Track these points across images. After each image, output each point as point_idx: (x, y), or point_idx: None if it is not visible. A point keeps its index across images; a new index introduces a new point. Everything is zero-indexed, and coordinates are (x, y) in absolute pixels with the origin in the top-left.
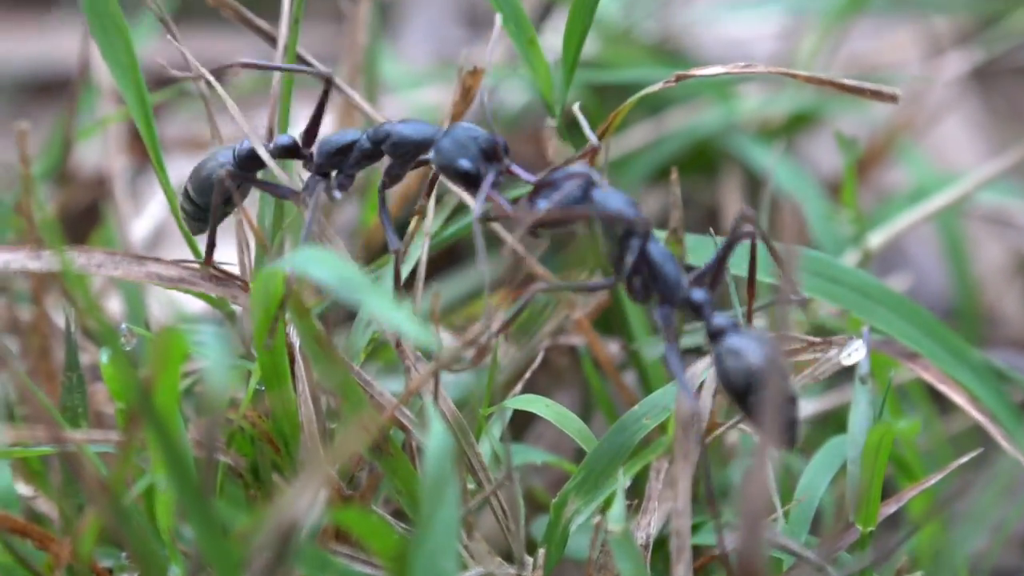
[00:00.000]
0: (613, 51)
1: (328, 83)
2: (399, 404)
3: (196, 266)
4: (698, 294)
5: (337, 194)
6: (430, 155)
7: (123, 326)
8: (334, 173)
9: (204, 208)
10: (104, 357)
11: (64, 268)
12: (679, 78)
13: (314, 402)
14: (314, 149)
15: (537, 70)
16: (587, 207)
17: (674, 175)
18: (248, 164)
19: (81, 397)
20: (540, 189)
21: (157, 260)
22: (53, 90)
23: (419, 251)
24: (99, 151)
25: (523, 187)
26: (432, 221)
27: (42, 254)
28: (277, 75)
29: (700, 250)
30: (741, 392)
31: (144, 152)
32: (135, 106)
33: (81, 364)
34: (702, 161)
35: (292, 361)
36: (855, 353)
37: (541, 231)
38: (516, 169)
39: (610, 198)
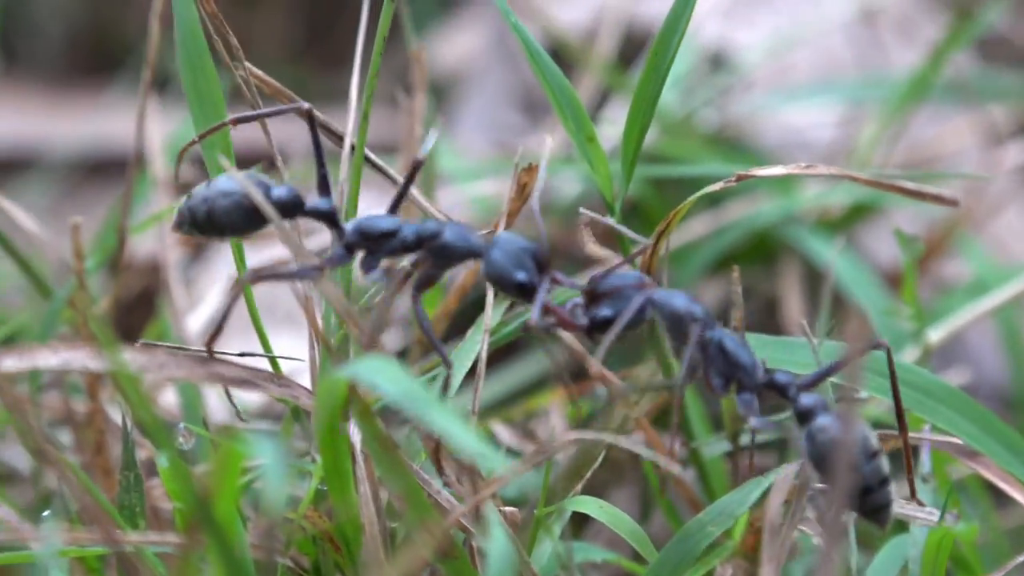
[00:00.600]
0: (671, 141)
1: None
2: (464, 511)
3: (260, 364)
4: (781, 375)
5: (375, 275)
6: (481, 266)
7: (181, 426)
8: (361, 252)
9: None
10: (163, 461)
11: (124, 369)
12: (740, 178)
13: (376, 503)
14: (350, 225)
15: (596, 167)
16: (651, 311)
17: (735, 274)
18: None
19: (139, 496)
20: (597, 297)
21: (221, 360)
22: (106, 171)
23: (478, 345)
24: (153, 238)
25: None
26: (491, 316)
27: (103, 353)
28: (346, 161)
29: (761, 348)
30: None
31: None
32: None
33: (138, 461)
34: (761, 251)
35: (354, 461)
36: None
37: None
38: (561, 277)
39: (673, 298)
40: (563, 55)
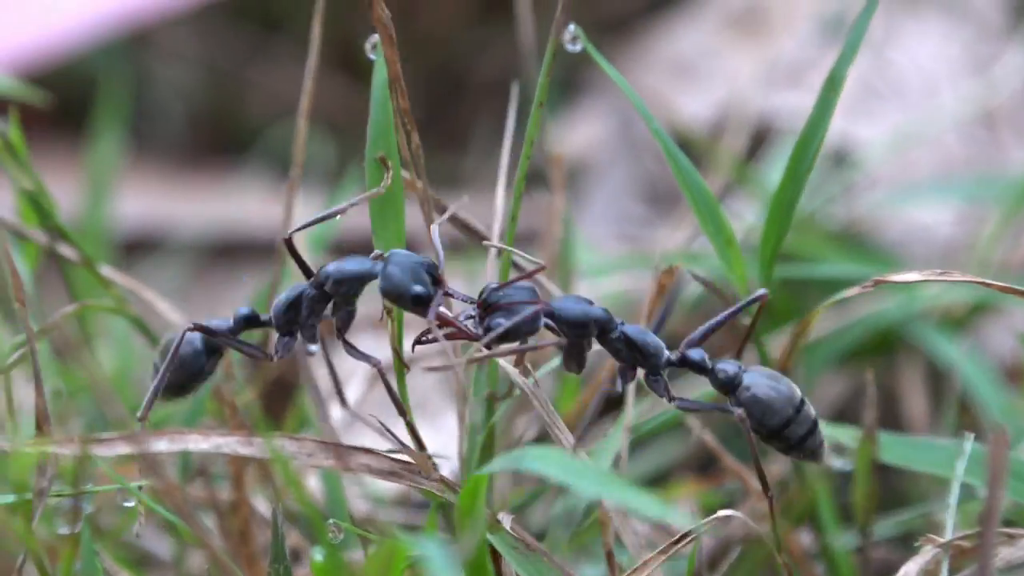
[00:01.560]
0: (797, 237)
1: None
2: None
3: (406, 458)
4: (693, 352)
5: (312, 348)
6: (378, 284)
7: (330, 521)
8: (299, 331)
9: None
10: (317, 555)
11: (275, 458)
12: (877, 283)
13: None
14: (271, 313)
15: (733, 268)
16: (547, 320)
17: (869, 376)
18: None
19: None
20: (491, 308)
21: (368, 451)
22: (232, 254)
23: (618, 443)
24: None
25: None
26: (631, 414)
27: (253, 441)
28: (492, 258)
29: (886, 446)
30: (778, 426)
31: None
32: None
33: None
34: (882, 346)
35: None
36: None
37: (497, 346)
38: (455, 291)
39: (570, 305)
40: (688, 147)
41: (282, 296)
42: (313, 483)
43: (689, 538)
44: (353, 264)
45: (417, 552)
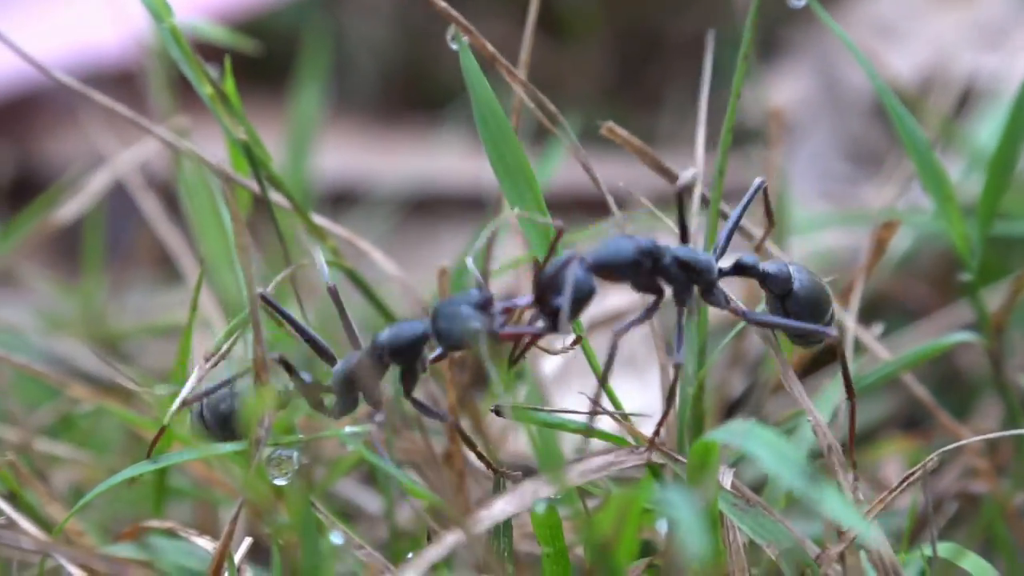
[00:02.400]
0: (1010, 196)
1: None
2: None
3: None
4: (746, 257)
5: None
6: (436, 345)
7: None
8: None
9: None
10: (539, 507)
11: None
12: None
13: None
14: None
15: (953, 225)
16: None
17: None
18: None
19: (508, 541)
20: (544, 296)
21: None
22: (431, 208)
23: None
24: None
25: None
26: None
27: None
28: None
29: None
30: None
31: None
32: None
33: None
34: None
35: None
36: None
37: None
38: (509, 303)
39: (611, 247)
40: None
41: (339, 367)
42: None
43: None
44: (406, 329)
45: (659, 500)
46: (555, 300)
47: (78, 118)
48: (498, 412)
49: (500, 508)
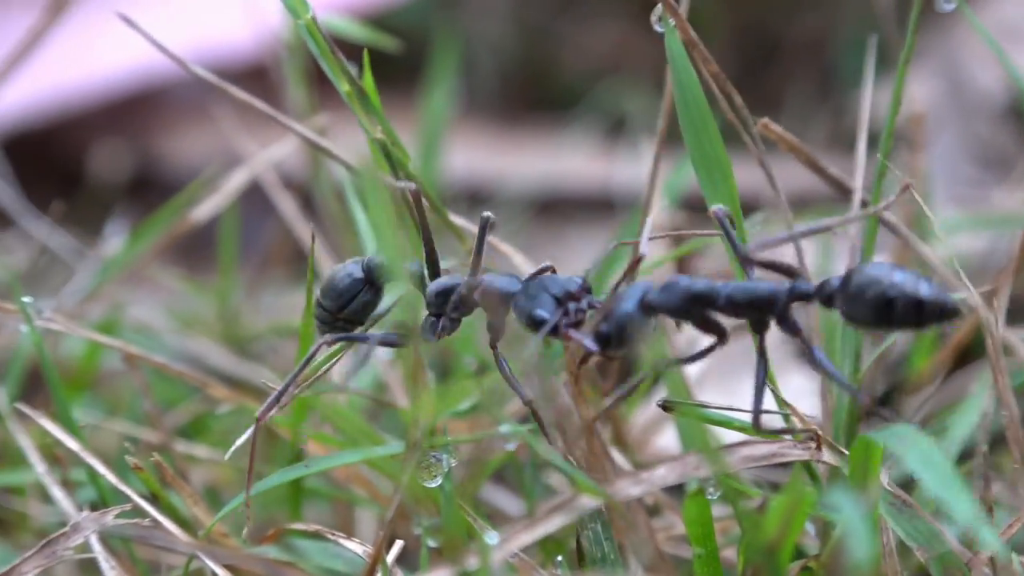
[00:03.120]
0: None
1: None
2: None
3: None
4: (800, 284)
5: (432, 335)
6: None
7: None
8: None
9: (334, 313)
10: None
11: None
12: None
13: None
14: (427, 290)
15: None
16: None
17: None
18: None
19: None
20: (603, 314)
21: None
22: (558, 208)
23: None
24: None
25: None
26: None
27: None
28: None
29: None
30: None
31: None
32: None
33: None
34: None
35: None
36: None
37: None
38: (594, 302)
39: (669, 288)
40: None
41: (441, 280)
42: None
43: None
44: (502, 282)
45: (825, 502)
46: (603, 326)
47: (199, 115)
48: (665, 407)
49: (660, 474)
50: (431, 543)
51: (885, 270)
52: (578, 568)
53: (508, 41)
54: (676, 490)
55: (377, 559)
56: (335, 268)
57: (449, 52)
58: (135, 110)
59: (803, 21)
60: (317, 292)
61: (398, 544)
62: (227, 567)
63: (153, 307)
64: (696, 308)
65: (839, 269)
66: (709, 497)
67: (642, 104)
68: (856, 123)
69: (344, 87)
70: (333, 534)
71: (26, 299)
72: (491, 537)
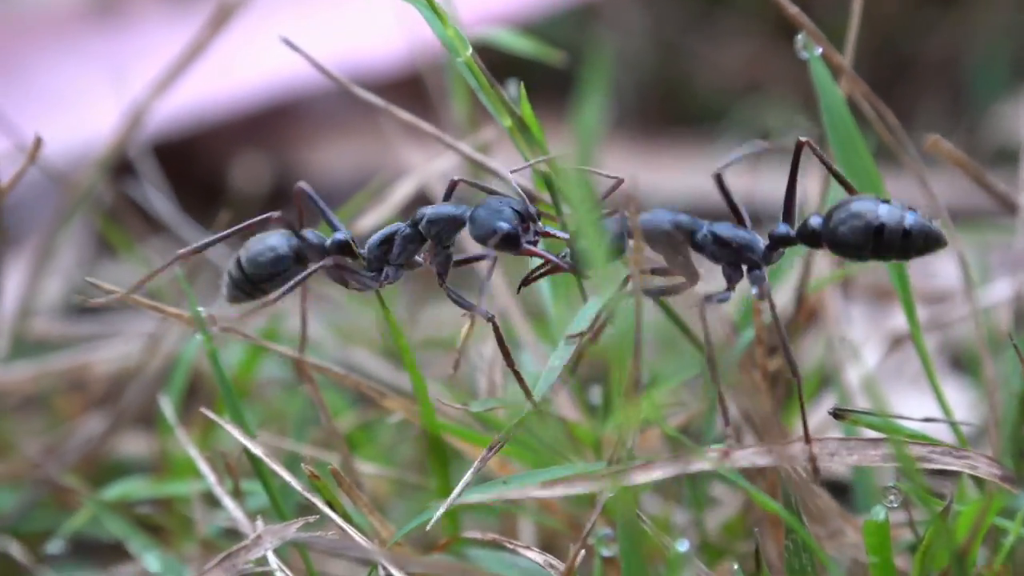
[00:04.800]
0: None
1: None
2: None
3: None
4: (780, 227)
5: (379, 281)
6: (468, 229)
7: (890, 485)
8: (387, 268)
9: (252, 282)
10: (880, 515)
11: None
12: None
13: None
14: (365, 247)
15: None
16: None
17: None
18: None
19: (808, 557)
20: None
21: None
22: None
23: None
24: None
25: None
26: None
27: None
28: None
29: None
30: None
31: None
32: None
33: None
34: None
35: None
36: None
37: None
38: (551, 230)
39: (653, 217)
40: None
41: (377, 233)
42: None
43: None
44: (449, 207)
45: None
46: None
47: (339, 125)
48: (837, 415)
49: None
50: (605, 552)
51: (869, 203)
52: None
53: (645, 57)
54: None
55: (571, 570)
56: (263, 239)
57: (600, 69)
58: (275, 121)
59: (934, 39)
60: (240, 256)
61: (581, 553)
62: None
63: (314, 318)
64: (675, 239)
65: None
66: (890, 505)
67: (783, 119)
68: (994, 139)
69: (506, 121)
70: (511, 543)
71: (200, 309)
72: (682, 544)
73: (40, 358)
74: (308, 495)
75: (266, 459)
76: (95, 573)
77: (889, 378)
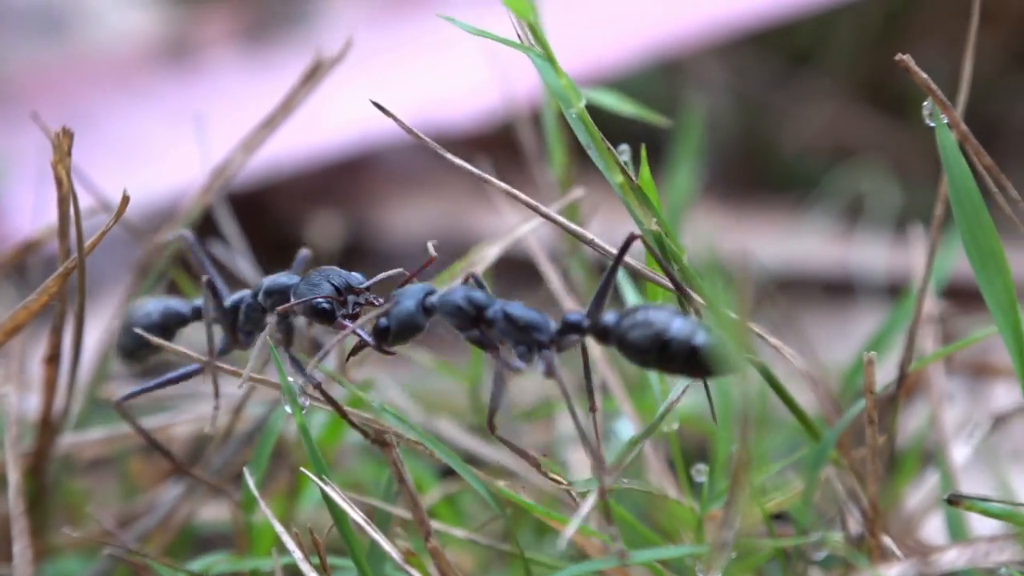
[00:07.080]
0: None
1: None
2: None
3: None
4: (571, 315)
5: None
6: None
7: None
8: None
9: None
10: None
11: None
12: None
13: None
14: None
15: None
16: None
17: None
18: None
19: None
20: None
21: None
22: (794, 289)
23: None
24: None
25: None
26: None
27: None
28: None
29: None
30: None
31: None
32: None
33: None
34: None
35: None
36: None
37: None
38: (373, 299)
39: (451, 294)
40: None
41: (231, 297)
42: None
43: None
44: (283, 278)
45: None
46: (382, 320)
47: (416, 181)
48: (952, 500)
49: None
50: None
51: (664, 315)
52: None
53: (727, 114)
54: None
55: None
56: (138, 307)
57: (692, 128)
58: (351, 173)
59: (1020, 105)
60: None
61: None
62: None
63: (394, 385)
64: (470, 318)
65: None
66: None
67: (874, 185)
68: None
69: (617, 179)
70: None
71: (290, 379)
72: None
73: (114, 422)
74: (407, 568)
75: (376, 534)
76: None
77: (989, 457)
